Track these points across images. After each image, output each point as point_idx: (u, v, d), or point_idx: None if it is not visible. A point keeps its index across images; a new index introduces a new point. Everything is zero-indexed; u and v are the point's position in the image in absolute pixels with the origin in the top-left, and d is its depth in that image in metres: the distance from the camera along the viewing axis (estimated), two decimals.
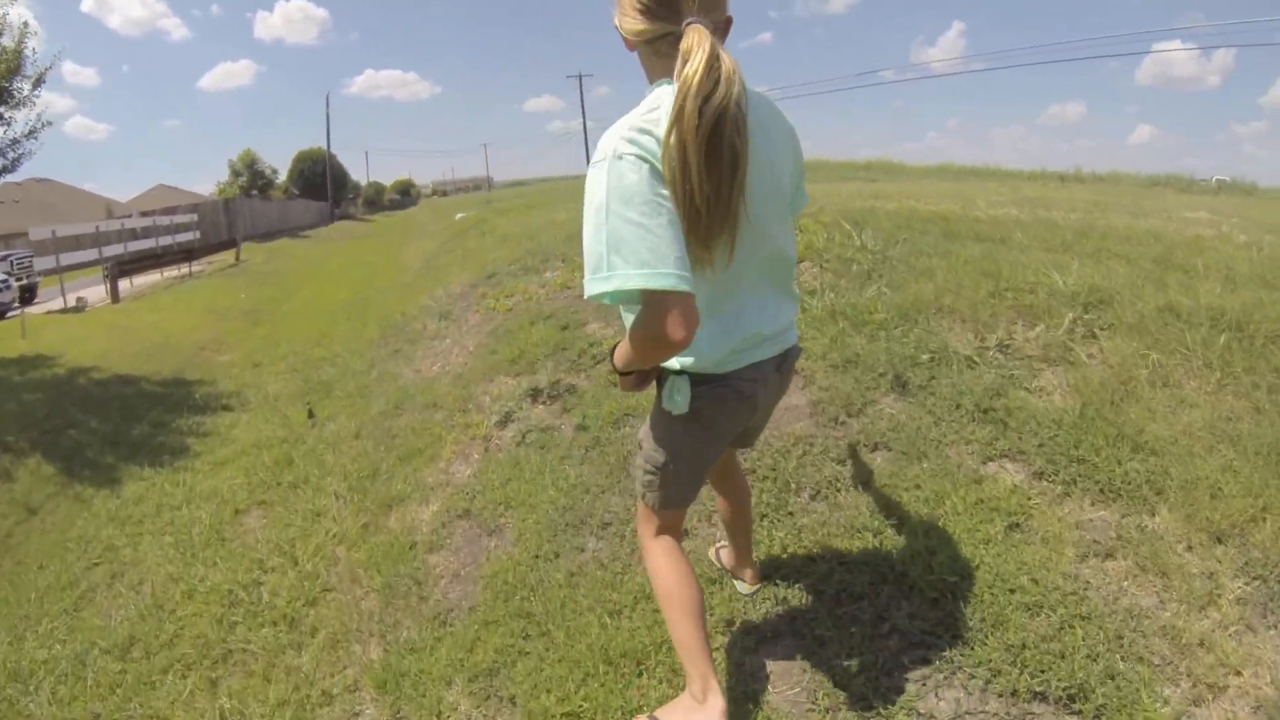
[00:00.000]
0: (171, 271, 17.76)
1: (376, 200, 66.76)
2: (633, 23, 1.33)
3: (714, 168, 1.21)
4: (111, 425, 6.23)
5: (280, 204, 38.31)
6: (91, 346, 9.11)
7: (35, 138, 9.80)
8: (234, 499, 4.23)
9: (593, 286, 1.21)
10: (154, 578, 3.58)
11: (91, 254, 16.97)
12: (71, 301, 13.80)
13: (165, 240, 21.65)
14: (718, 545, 2.30)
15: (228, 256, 20.90)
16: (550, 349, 4.44)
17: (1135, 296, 3.06)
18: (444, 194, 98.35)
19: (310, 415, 5.31)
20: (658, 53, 1.33)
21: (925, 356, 2.87)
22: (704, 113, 1.18)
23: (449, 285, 8.73)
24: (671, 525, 1.65)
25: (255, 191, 42.02)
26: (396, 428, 4.43)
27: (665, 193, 1.20)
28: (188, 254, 18.33)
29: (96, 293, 14.87)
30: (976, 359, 2.80)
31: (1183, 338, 2.75)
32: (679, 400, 1.46)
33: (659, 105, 1.27)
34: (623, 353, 1.42)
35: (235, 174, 44.77)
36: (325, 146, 51.37)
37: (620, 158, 1.22)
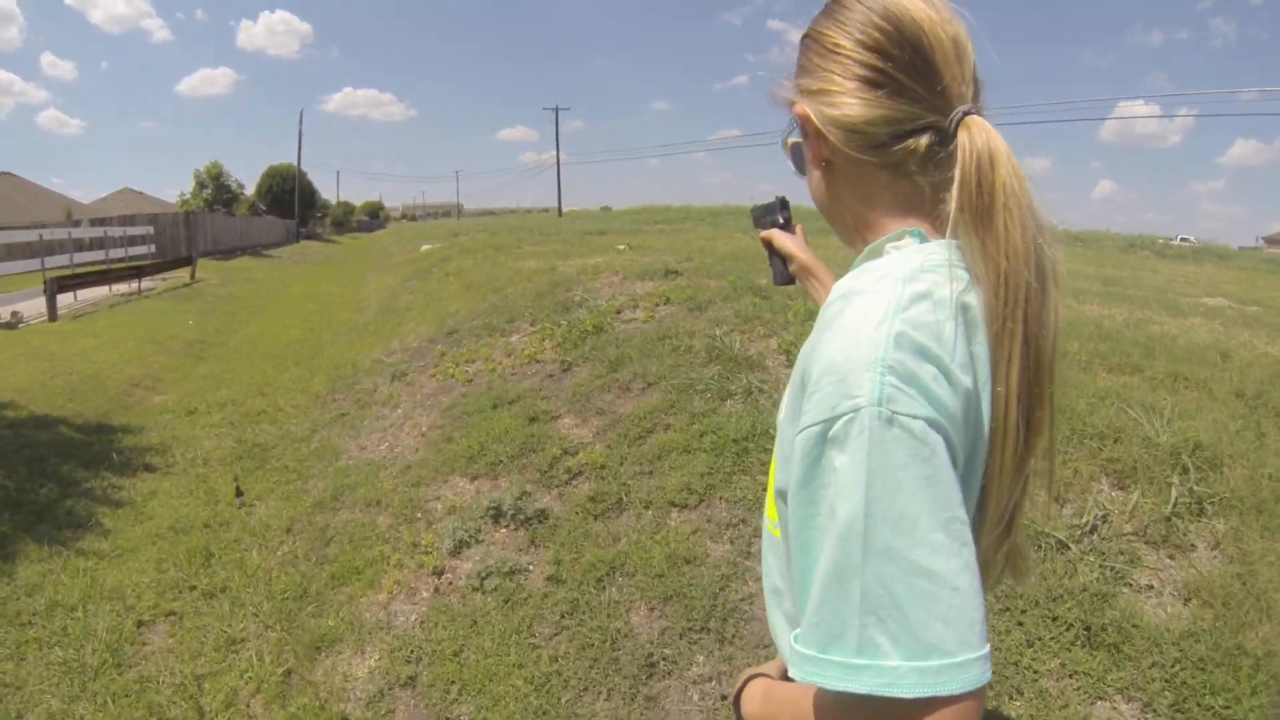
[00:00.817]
0: (121, 287, 16.82)
1: (345, 221, 65.76)
2: (855, 106, 0.72)
3: (1036, 399, 0.68)
4: (16, 482, 5.55)
5: (243, 220, 37.28)
6: (11, 377, 8.33)
7: None
8: (139, 604, 3.68)
9: (824, 673, 0.60)
10: (34, 715, 3.02)
11: (34, 264, 16.01)
12: (5, 316, 12.88)
13: (117, 252, 20.64)
14: None
15: (182, 274, 19.98)
16: (515, 448, 4.01)
17: (1239, 456, 2.68)
18: (413, 218, 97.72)
19: (239, 494, 4.78)
20: (892, 168, 0.74)
21: None
22: (1045, 302, 0.66)
23: (405, 337, 8.27)
24: None
25: (219, 205, 40.91)
26: (334, 527, 3.93)
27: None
28: (138, 271, 17.39)
29: (35, 305, 13.88)
30: (1068, 542, 2.40)
31: None
32: None
33: (929, 291, 0.65)
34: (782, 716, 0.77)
35: (200, 185, 43.61)
36: (296, 163, 50.61)
37: (891, 421, 0.58)
